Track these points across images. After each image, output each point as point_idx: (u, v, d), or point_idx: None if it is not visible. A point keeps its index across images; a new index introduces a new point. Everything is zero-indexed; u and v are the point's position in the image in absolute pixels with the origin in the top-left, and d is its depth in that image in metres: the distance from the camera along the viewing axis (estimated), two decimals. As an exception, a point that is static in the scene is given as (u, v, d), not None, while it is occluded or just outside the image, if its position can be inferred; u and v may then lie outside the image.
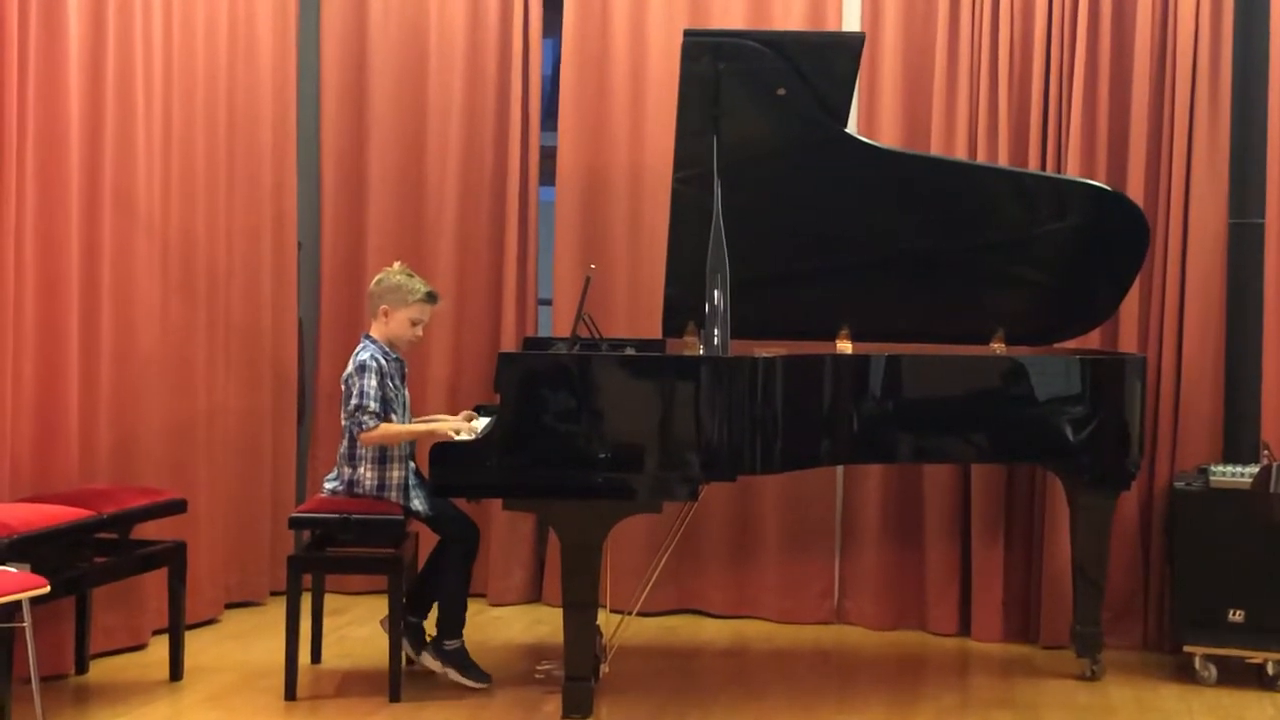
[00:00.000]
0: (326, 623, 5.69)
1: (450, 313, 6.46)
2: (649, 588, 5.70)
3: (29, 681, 4.44)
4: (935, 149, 6.13)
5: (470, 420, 5.35)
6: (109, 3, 5.43)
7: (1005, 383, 5.37)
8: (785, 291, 5.71)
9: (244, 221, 6.33)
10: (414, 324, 5.31)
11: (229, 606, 6.31)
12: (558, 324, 6.50)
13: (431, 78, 6.66)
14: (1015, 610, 6.14)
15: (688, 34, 5.12)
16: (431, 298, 5.35)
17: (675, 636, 6.17)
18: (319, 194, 6.79)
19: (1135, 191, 5.88)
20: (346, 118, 6.76)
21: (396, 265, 5.39)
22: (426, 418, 5.53)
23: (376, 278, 5.36)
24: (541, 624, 6.27)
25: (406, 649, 5.26)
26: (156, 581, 5.53)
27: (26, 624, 4.31)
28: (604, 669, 5.20)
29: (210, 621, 6.11)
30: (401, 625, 5.16)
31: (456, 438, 4.95)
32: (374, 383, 5.12)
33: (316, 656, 5.57)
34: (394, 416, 5.22)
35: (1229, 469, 5.47)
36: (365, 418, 5.10)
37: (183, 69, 5.91)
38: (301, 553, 5.38)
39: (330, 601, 5.87)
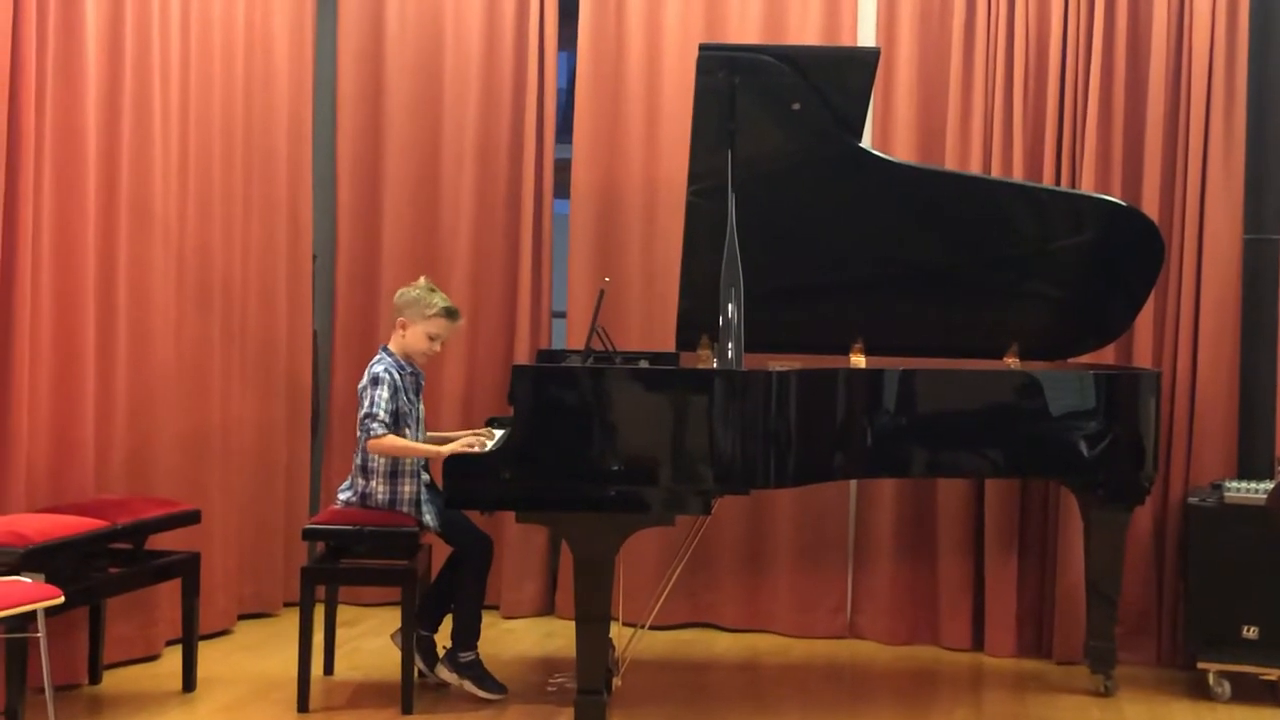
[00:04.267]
0: (339, 634, 5.70)
1: (464, 325, 6.43)
2: (662, 601, 5.69)
3: (43, 691, 4.45)
4: (950, 164, 6.13)
5: (480, 436, 5.34)
6: (126, 16, 5.45)
7: (1019, 397, 5.36)
8: (799, 305, 5.72)
9: (260, 234, 6.35)
10: (431, 339, 5.31)
11: (242, 617, 6.32)
12: (571, 337, 6.51)
13: (447, 90, 6.68)
14: (1029, 625, 6.13)
15: (703, 48, 5.13)
16: (450, 314, 5.34)
17: (688, 650, 6.16)
18: (334, 206, 6.81)
19: (1150, 206, 5.87)
20: (362, 131, 6.78)
21: (422, 280, 5.40)
22: (441, 435, 5.53)
23: (399, 291, 5.38)
24: (554, 637, 6.26)
25: (418, 662, 5.26)
26: (170, 592, 5.55)
27: (41, 634, 4.32)
28: (616, 682, 5.20)
29: (223, 632, 6.13)
30: (414, 638, 5.17)
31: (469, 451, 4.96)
32: (385, 394, 5.13)
33: (329, 668, 5.57)
34: (406, 431, 5.22)
35: (1243, 485, 5.46)
36: (374, 425, 5.10)
37: (199, 82, 5.94)
38: (315, 564, 5.38)
39: (343, 613, 5.89)
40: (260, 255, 6.36)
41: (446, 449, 5.04)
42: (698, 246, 5.43)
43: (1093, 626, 5.61)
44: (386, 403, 5.12)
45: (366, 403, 5.13)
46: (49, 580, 4.46)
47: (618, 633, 5.31)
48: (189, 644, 5.33)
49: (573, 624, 4.87)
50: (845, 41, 6.31)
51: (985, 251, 5.63)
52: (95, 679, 5.34)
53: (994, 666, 5.99)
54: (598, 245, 6.56)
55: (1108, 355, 5.96)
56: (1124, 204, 5.60)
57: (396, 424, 5.16)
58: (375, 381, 5.15)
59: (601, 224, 6.56)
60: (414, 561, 5.20)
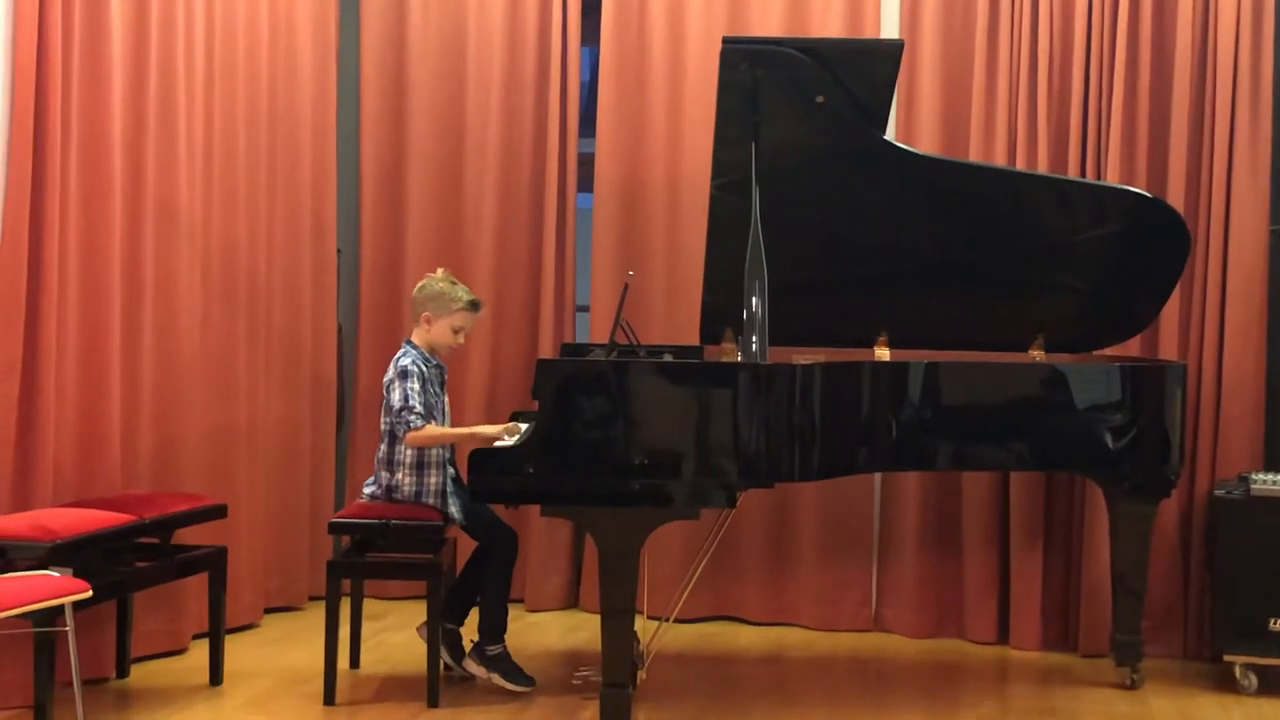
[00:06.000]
0: (365, 628, 5.73)
1: (488, 319, 6.47)
2: (686, 594, 5.70)
3: (71, 685, 4.47)
4: (974, 155, 6.12)
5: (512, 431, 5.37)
6: (151, 13, 5.47)
7: (1044, 390, 5.35)
8: (823, 298, 5.71)
9: (284, 229, 6.37)
10: (456, 332, 5.34)
11: (268, 611, 6.35)
12: (595, 330, 6.52)
13: (470, 85, 6.69)
14: (1054, 618, 6.11)
15: (726, 41, 5.12)
16: (474, 306, 5.37)
17: (712, 643, 6.16)
18: (358, 201, 6.83)
19: (1175, 197, 5.85)
20: (386, 125, 6.79)
21: (440, 272, 5.42)
22: (468, 426, 5.56)
23: (419, 284, 5.39)
24: (579, 630, 6.28)
25: (443, 656, 5.28)
26: (197, 586, 5.57)
27: (69, 628, 4.35)
28: (641, 675, 5.20)
29: (250, 626, 6.16)
30: (440, 631, 5.18)
31: (498, 444, 4.97)
32: (416, 386, 5.16)
33: (355, 661, 5.60)
34: (434, 423, 5.24)
35: (1270, 477, 5.44)
36: (412, 418, 5.12)
37: (224, 78, 5.96)
38: (340, 558, 5.39)
39: (369, 607, 5.91)
40: (284, 251, 6.38)
41: (482, 430, 5.16)
42: (721, 240, 5.43)
43: (1119, 619, 5.60)
44: (418, 394, 5.15)
45: (398, 396, 5.15)
46: (76, 574, 4.49)
47: (642, 626, 5.32)
48: (215, 638, 5.36)
49: (597, 617, 4.87)
50: (868, 33, 6.31)
51: (1010, 243, 5.61)
52: (123, 673, 5.37)
53: (1019, 660, 5.98)
54: (621, 239, 6.56)
55: (1133, 347, 5.95)
56: (1149, 195, 5.57)
57: (427, 416, 5.19)
58: (404, 375, 5.17)
59: (625, 218, 6.57)
60: (439, 555, 5.21)
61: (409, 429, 5.13)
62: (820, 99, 5.20)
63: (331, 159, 6.67)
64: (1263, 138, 5.81)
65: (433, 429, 5.17)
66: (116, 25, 5.27)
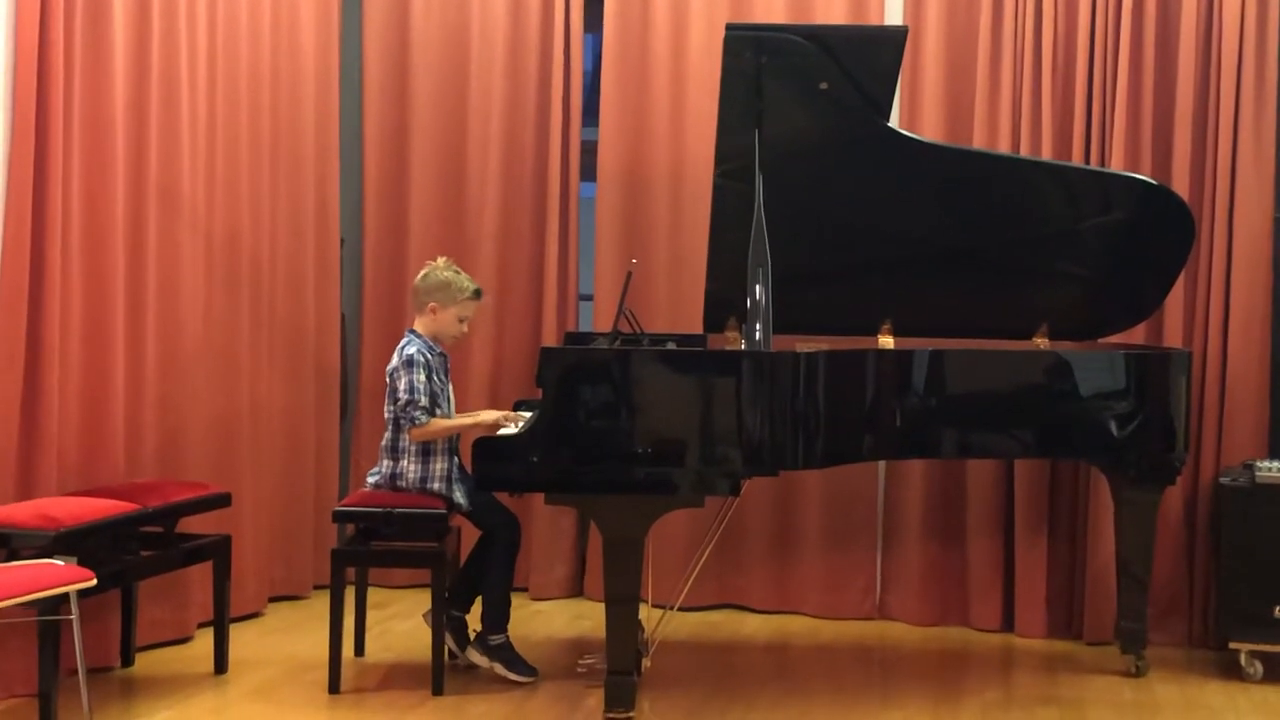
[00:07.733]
0: (370, 616, 5.73)
1: (491, 308, 6.46)
2: (691, 583, 5.69)
3: (76, 674, 4.48)
4: (978, 143, 6.10)
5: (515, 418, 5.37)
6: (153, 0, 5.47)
7: (1049, 378, 5.34)
8: (827, 286, 5.70)
9: (287, 218, 6.37)
10: (461, 320, 5.35)
11: (273, 600, 6.35)
12: (599, 319, 6.51)
13: (473, 74, 6.68)
14: (1059, 606, 6.11)
15: (729, 28, 5.11)
16: (478, 294, 5.39)
17: (717, 632, 6.16)
18: (361, 190, 6.82)
19: (1180, 185, 5.83)
20: (388, 114, 6.79)
21: (441, 261, 5.41)
22: (469, 413, 5.56)
23: (422, 273, 5.39)
24: (583, 619, 6.28)
25: (449, 643, 5.28)
26: (201, 575, 5.57)
27: (73, 617, 4.35)
28: (646, 664, 5.20)
29: (254, 615, 6.16)
30: (444, 619, 5.18)
31: (501, 431, 4.97)
32: (422, 377, 5.16)
33: (360, 650, 5.60)
34: (439, 411, 5.24)
35: (1275, 464, 5.43)
36: (416, 413, 5.13)
37: (226, 66, 5.95)
38: (345, 546, 5.39)
39: (373, 595, 5.92)
40: (288, 240, 6.37)
41: (489, 415, 5.24)
42: (725, 228, 5.41)
43: (1124, 607, 5.59)
44: (424, 386, 5.16)
45: (405, 389, 5.15)
46: (81, 563, 4.49)
47: (647, 614, 5.32)
48: (220, 626, 5.36)
49: (602, 605, 4.87)
50: (872, 20, 6.29)
51: (1014, 231, 5.60)
52: (127, 661, 5.37)
53: (1024, 647, 5.97)
54: (624, 227, 6.55)
55: (1137, 335, 5.93)
56: (1154, 182, 5.55)
57: (432, 408, 5.19)
58: (409, 364, 5.17)
59: (628, 206, 6.56)
60: (443, 543, 5.21)
61: (413, 425, 5.14)
62: (824, 86, 5.19)
63: (334, 147, 6.66)
64: (1267, 124, 5.79)
65: (436, 423, 5.18)
66: (118, 12, 5.26)
